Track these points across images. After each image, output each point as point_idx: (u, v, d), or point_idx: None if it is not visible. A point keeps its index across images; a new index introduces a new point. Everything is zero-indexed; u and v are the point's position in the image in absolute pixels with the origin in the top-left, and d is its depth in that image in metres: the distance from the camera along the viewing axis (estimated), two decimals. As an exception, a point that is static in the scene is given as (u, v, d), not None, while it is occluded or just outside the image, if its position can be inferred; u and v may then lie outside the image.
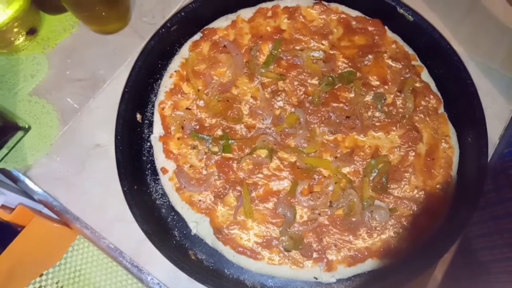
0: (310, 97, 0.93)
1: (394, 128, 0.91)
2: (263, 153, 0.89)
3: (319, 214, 0.85)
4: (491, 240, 0.94)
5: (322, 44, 0.97)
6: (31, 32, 0.97)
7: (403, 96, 0.93)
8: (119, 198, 0.83)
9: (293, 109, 0.91)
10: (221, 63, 0.95)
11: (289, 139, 0.90)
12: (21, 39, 0.96)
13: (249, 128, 0.91)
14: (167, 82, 0.94)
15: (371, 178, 0.87)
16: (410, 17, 0.96)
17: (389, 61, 0.95)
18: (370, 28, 0.98)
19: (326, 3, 0.99)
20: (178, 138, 0.90)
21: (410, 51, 0.98)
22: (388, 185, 0.87)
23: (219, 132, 0.90)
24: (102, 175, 0.91)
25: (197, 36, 0.98)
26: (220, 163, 0.88)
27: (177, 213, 0.88)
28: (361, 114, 0.92)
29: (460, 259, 0.92)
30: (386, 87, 0.94)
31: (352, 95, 0.93)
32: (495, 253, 0.94)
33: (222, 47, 0.96)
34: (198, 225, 0.86)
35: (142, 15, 1.04)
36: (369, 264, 0.84)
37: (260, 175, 0.88)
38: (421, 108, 0.93)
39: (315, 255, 0.83)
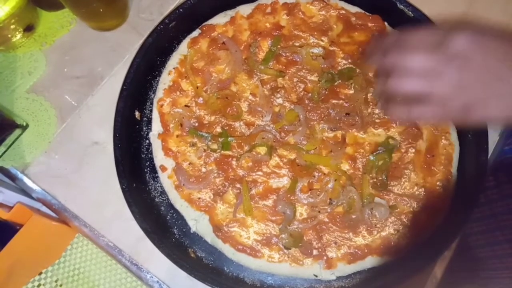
0: (310, 94, 0.92)
1: (394, 125, 0.91)
2: (262, 150, 0.88)
3: (319, 212, 0.85)
4: (492, 236, 0.95)
5: (322, 41, 0.96)
6: (28, 29, 0.97)
7: (403, 92, 0.92)
8: (118, 196, 0.83)
9: (292, 106, 0.91)
10: (220, 60, 0.94)
11: (289, 136, 0.90)
12: (18, 36, 0.96)
13: (248, 125, 0.90)
14: (165, 79, 0.93)
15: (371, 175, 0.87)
16: (410, 13, 0.95)
17: (389, 58, 0.95)
18: (370, 24, 0.97)
19: (325, -1, 0.99)
20: (177, 136, 0.90)
21: (410, 47, 0.97)
22: (388, 182, 0.87)
23: (218, 130, 0.90)
24: (100, 173, 0.90)
25: (195, 33, 0.97)
26: (219, 161, 0.88)
27: (176, 211, 0.87)
28: (361, 110, 0.91)
29: (460, 256, 0.92)
30: (386, 83, 0.93)
31: (351, 91, 0.93)
32: (496, 250, 0.94)
33: (221, 44, 0.95)
34: (198, 223, 0.86)
35: (140, 11, 1.03)
36: (369, 262, 0.84)
37: (260, 173, 0.87)
38: (421, 104, 0.92)
39: (315, 252, 0.83)
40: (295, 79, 0.93)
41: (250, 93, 0.93)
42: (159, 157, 0.89)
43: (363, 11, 0.99)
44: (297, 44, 0.96)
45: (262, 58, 0.95)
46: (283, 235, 0.83)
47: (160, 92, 0.92)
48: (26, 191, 0.90)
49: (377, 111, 0.92)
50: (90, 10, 0.94)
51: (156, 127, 0.91)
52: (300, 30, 0.97)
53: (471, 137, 0.90)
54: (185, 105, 0.92)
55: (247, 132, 0.90)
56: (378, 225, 0.85)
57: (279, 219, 0.85)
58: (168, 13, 0.97)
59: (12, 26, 0.92)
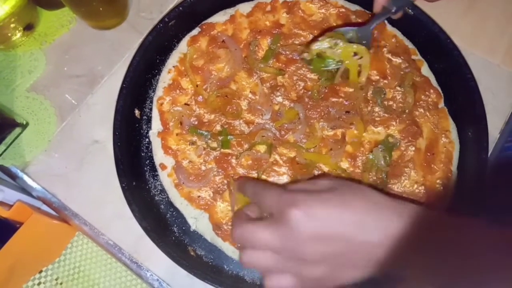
0: (310, 92, 0.92)
1: (394, 123, 0.91)
2: (262, 148, 0.88)
3: (319, 210, 0.85)
4: None
5: (321, 39, 0.96)
6: (28, 27, 0.97)
7: (403, 90, 0.92)
8: (118, 194, 0.83)
9: (292, 104, 0.91)
10: (219, 58, 0.94)
11: (288, 134, 0.90)
12: (18, 35, 0.96)
13: (248, 123, 0.90)
14: (165, 77, 0.93)
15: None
16: (410, 10, 0.95)
17: (389, 56, 0.95)
18: (369, 22, 0.97)
19: (325, -3, 0.99)
20: (177, 134, 0.90)
21: (410, 45, 0.97)
22: (388, 181, 0.87)
23: (218, 128, 0.90)
24: (100, 172, 0.90)
25: (195, 31, 0.97)
26: (219, 159, 0.88)
27: (176, 209, 0.87)
28: (360, 109, 0.91)
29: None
30: (385, 81, 0.93)
31: (351, 90, 0.92)
32: None
33: (220, 42, 0.95)
34: (197, 221, 0.86)
35: (140, 10, 1.03)
36: (369, 260, 0.83)
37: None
38: (421, 102, 0.92)
39: (314, 250, 0.83)
40: (294, 77, 0.93)
41: (250, 92, 0.93)
42: (159, 156, 0.89)
43: (363, 9, 0.99)
44: (297, 42, 0.96)
45: (262, 56, 0.94)
46: (283, 233, 0.83)
47: (159, 91, 0.92)
48: (26, 189, 0.90)
49: (376, 109, 0.91)
50: (90, 9, 0.94)
51: (156, 125, 0.91)
52: (300, 28, 0.97)
53: (472, 135, 0.90)
54: (185, 104, 0.92)
55: (247, 131, 0.90)
56: (378, 223, 0.84)
57: (279, 217, 0.84)
58: (168, 12, 0.97)
59: (12, 25, 0.92)
